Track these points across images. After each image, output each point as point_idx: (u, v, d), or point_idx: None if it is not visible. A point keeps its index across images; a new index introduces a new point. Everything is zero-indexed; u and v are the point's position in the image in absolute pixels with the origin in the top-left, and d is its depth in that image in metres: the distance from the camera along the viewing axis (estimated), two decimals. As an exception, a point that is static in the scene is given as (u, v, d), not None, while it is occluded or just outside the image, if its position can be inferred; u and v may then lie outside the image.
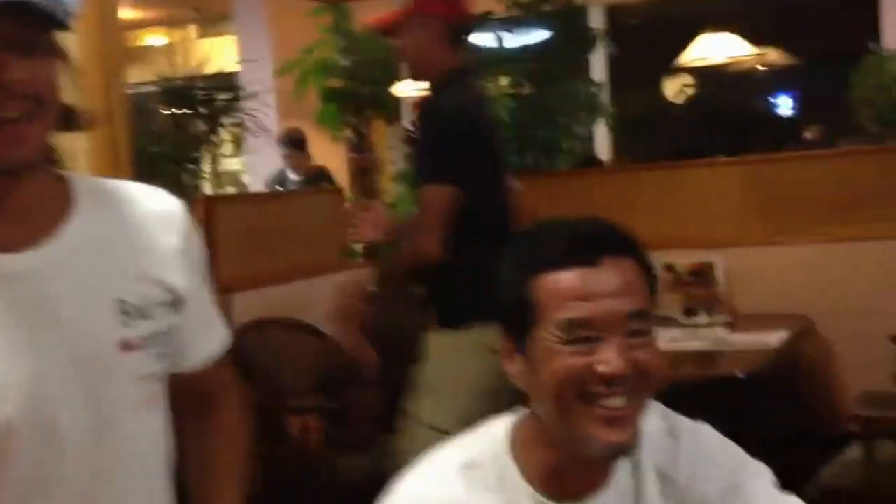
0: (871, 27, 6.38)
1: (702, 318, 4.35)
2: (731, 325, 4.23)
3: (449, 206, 2.86)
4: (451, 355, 2.96)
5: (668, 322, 4.31)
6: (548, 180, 4.86)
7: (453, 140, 2.90)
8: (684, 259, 4.46)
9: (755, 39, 6.77)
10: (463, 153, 2.89)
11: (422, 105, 3.12)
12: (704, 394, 3.63)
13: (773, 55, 7.33)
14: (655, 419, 1.41)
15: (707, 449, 1.43)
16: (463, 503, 1.34)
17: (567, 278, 1.30)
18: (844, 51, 5.84)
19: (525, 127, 4.97)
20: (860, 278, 4.29)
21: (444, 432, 2.91)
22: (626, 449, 1.32)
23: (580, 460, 1.34)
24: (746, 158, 5.04)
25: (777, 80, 7.94)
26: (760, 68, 7.47)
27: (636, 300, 1.30)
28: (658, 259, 4.82)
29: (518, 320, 1.33)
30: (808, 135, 7.70)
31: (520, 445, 1.38)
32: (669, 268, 4.44)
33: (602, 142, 6.63)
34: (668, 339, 3.97)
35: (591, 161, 5.66)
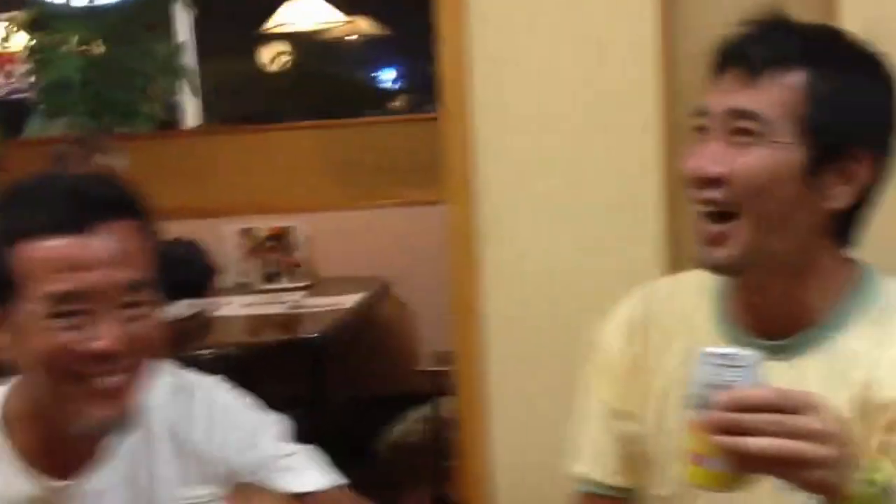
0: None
1: (282, 283, 4.36)
2: (311, 289, 4.26)
3: None
4: None
5: (247, 287, 4.30)
6: (126, 144, 4.63)
7: None
8: (264, 224, 4.43)
9: (346, 8, 6.83)
10: None
11: None
12: (283, 357, 3.64)
13: (365, 25, 7.45)
14: (164, 378, 1.36)
15: (223, 405, 1.40)
16: None
17: (52, 247, 1.18)
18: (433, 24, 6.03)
19: (99, 88, 4.70)
20: (431, 240, 4.42)
21: None
22: (122, 423, 1.26)
23: (75, 435, 1.26)
24: (326, 123, 5.02)
25: (371, 50, 8.12)
26: (352, 38, 7.57)
27: (134, 269, 1.23)
28: (237, 224, 4.74)
29: (1, 291, 1.21)
30: (397, 104, 7.92)
31: (12, 419, 1.29)
32: (248, 233, 4.39)
33: (189, 106, 6.45)
34: (247, 304, 4.00)
35: (165, 125, 5.45)
